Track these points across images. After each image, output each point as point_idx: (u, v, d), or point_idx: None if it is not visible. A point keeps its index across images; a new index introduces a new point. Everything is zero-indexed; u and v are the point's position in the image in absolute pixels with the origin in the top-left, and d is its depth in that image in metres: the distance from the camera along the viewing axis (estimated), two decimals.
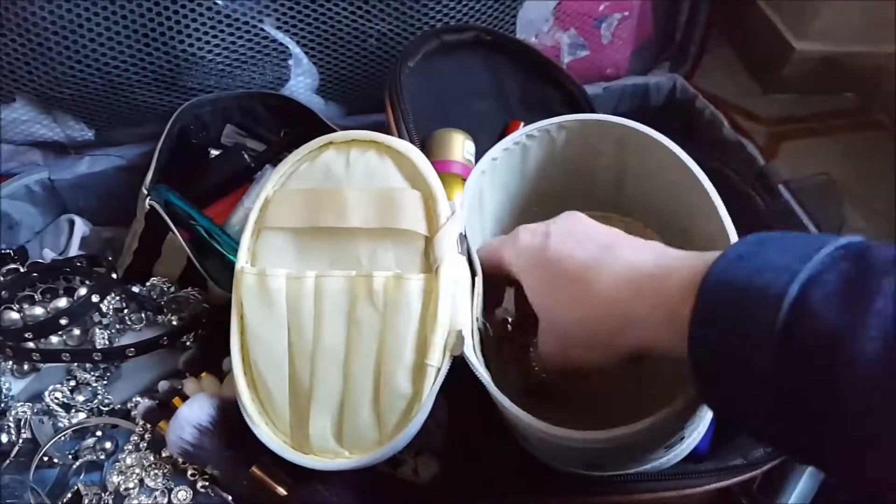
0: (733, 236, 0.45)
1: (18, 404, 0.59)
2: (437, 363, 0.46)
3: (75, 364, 0.61)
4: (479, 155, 0.66)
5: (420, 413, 0.46)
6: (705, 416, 0.50)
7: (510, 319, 0.56)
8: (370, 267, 0.49)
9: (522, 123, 0.71)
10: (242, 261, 0.51)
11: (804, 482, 0.62)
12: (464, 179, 0.63)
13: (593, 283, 0.39)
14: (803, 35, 1.13)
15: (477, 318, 0.49)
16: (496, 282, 0.50)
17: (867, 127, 1.16)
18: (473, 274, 0.50)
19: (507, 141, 0.52)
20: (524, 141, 0.52)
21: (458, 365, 0.46)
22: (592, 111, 0.73)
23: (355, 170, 0.51)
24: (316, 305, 0.49)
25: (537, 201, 0.58)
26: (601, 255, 0.40)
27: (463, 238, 0.50)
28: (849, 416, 0.28)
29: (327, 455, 0.48)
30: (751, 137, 0.81)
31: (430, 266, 0.48)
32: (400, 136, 0.61)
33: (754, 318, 0.30)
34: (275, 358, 0.49)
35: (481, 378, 0.44)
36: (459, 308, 0.47)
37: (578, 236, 0.42)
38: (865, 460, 0.28)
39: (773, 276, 0.30)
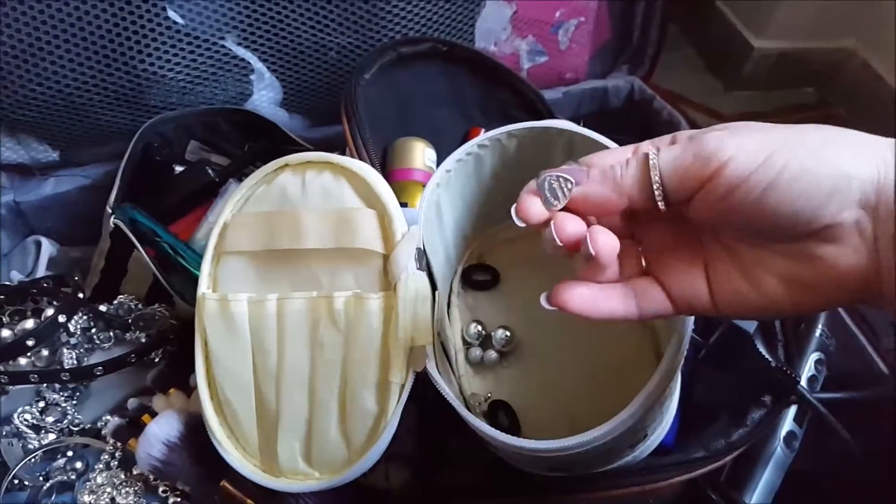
0: None
1: None
2: (401, 380, 0.47)
3: (44, 385, 0.61)
4: (440, 162, 0.67)
5: (387, 430, 0.46)
6: (668, 413, 0.51)
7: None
8: (330, 287, 0.49)
9: (483, 129, 0.72)
10: (204, 287, 0.51)
11: (769, 473, 0.63)
12: (425, 186, 0.64)
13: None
14: (761, 33, 1.16)
15: (438, 333, 0.49)
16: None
17: (827, 120, 1.17)
18: (434, 288, 0.50)
19: (460, 152, 0.53)
20: (476, 150, 0.53)
21: (425, 373, 0.47)
22: (550, 114, 0.74)
23: (311, 191, 0.51)
24: (279, 328, 0.49)
25: (496, 205, 0.59)
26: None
27: (422, 253, 0.50)
28: None
29: (297, 477, 0.49)
30: None
31: (389, 283, 0.48)
32: (356, 148, 0.61)
33: None
34: (240, 382, 0.49)
35: (444, 393, 0.45)
36: (420, 324, 0.47)
37: None
38: None
39: None
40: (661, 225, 0.36)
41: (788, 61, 1.16)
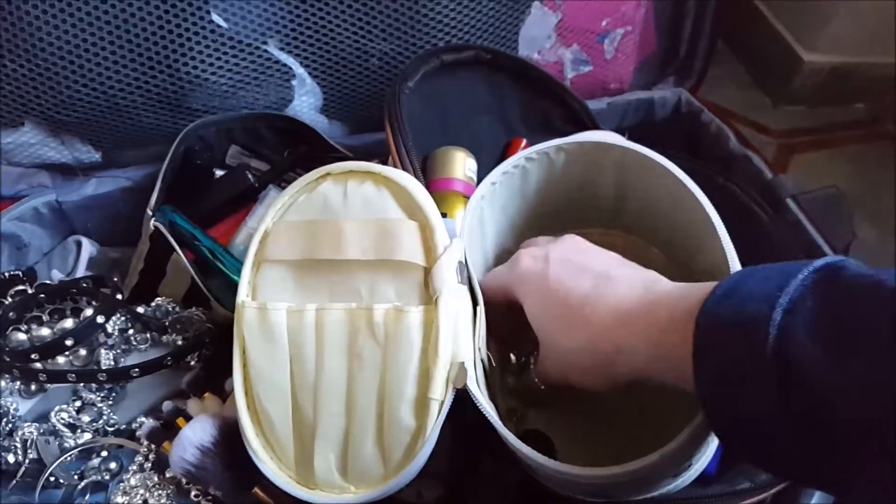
0: (732, 256, 0.45)
1: (25, 424, 0.60)
2: (440, 396, 0.45)
3: (81, 384, 0.61)
4: (480, 173, 0.66)
5: (425, 447, 0.45)
6: (713, 441, 0.50)
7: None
8: (370, 299, 0.48)
9: (525, 140, 0.71)
10: (243, 294, 0.51)
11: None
12: (465, 197, 0.63)
13: (590, 315, 0.41)
14: (812, 47, 1.13)
15: (479, 349, 0.48)
16: (499, 309, 0.50)
17: (878, 138, 1.15)
18: (475, 303, 0.49)
19: (506, 164, 0.52)
20: (523, 164, 0.52)
21: (462, 389, 0.46)
22: (595, 127, 0.73)
23: (353, 201, 0.50)
24: (317, 339, 0.48)
25: (539, 221, 0.58)
26: (597, 286, 0.42)
27: (463, 266, 0.49)
28: (845, 446, 0.28)
29: (333, 490, 0.48)
30: (758, 151, 0.80)
31: (430, 297, 0.47)
32: (398, 157, 0.61)
33: (746, 349, 0.31)
34: (278, 392, 0.49)
35: (485, 412, 0.44)
36: (461, 339, 0.46)
37: (576, 266, 0.44)
38: (867, 491, 0.28)
39: (757, 305, 0.31)
40: None
41: (839, 76, 1.13)
